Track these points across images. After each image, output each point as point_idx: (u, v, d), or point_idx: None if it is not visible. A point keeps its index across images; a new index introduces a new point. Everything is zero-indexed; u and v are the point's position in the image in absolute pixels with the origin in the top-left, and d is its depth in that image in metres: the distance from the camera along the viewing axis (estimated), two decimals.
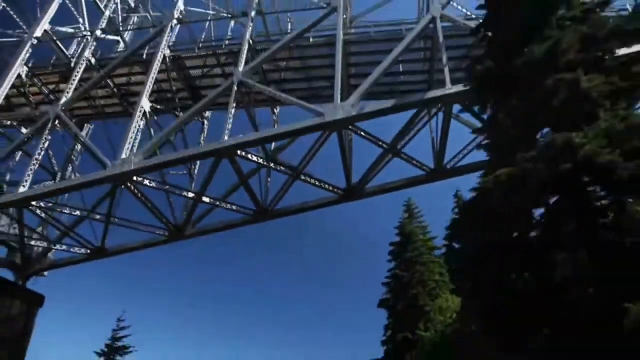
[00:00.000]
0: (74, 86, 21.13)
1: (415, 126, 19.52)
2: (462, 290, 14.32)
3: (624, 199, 8.03)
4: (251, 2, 21.88)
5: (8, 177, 23.82)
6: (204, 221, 22.40)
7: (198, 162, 23.45)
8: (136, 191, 18.83)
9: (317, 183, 20.38)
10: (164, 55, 21.17)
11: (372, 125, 18.68)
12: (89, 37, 23.48)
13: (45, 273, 24.16)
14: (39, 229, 23.47)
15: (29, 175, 18.72)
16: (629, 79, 10.68)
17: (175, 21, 22.09)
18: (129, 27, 30.42)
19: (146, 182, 18.48)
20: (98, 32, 23.47)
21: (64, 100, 20.39)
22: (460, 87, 16.40)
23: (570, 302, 8.40)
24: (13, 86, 22.25)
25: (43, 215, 20.74)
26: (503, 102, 11.70)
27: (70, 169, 25.30)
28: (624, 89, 10.08)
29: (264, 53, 20.26)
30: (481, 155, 17.11)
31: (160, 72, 20.95)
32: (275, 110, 24.69)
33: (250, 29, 21.00)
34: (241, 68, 18.96)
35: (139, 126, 19.32)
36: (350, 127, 17.71)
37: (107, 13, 24.69)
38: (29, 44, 23.12)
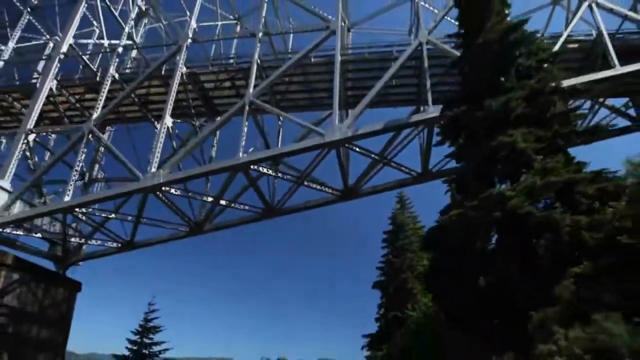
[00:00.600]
0: (102, 102, 24.02)
1: (405, 138, 22.70)
2: (429, 289, 18.02)
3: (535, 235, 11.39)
4: (258, 24, 24.51)
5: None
6: (219, 218, 25.90)
7: None
8: (163, 197, 22.20)
9: (319, 187, 23.75)
10: (181, 73, 23.98)
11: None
12: (112, 54, 26.12)
13: (80, 263, 27.80)
14: (74, 225, 26.96)
15: (71, 185, 22.01)
16: (563, 128, 13.91)
17: (189, 40, 24.78)
18: (140, 30, 33.24)
19: (172, 190, 21.82)
20: (120, 49, 26.17)
21: (95, 116, 23.39)
22: (439, 110, 19.48)
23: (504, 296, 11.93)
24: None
25: (81, 216, 24.16)
26: (464, 145, 14.92)
27: (97, 171, 28.53)
28: (554, 142, 13.30)
29: (271, 72, 23.28)
30: None
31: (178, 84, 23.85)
32: (280, 118, 27.70)
33: (258, 49, 23.75)
34: (251, 89, 21.90)
35: (163, 141, 22.31)
36: (346, 144, 20.86)
37: (127, 29, 27.27)
38: (57, 60, 25.92)
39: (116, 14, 30.29)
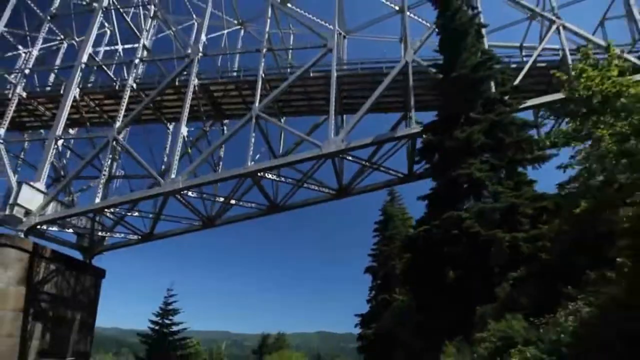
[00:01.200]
0: (123, 111, 27.19)
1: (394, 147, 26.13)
2: (406, 282, 21.93)
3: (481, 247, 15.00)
4: (262, 41, 27.52)
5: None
6: (228, 213, 29.47)
7: None
8: (181, 199, 25.73)
9: (317, 188, 27.29)
10: (194, 85, 27.07)
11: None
12: (130, 65, 29.12)
13: (104, 253, 31.49)
14: (98, 219, 30.50)
15: (100, 188, 25.46)
16: (517, 155, 17.38)
17: (200, 54, 27.77)
18: (150, 32, 35.99)
19: (189, 193, 25.32)
20: (136, 61, 29.16)
21: (118, 125, 26.62)
22: (422, 126, 22.87)
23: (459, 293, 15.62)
24: None
25: (106, 212, 27.72)
26: (437, 166, 18.43)
27: (115, 168, 31.85)
28: (506, 168, 16.80)
29: (275, 84, 26.49)
30: None
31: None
32: (282, 119, 30.97)
33: (263, 64, 26.81)
34: (257, 103, 25.11)
35: (180, 149, 25.60)
36: (340, 155, 24.28)
37: (142, 41, 30.18)
38: (78, 70, 28.93)
39: (128, 18, 33.23)
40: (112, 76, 30.51)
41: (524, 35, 31.09)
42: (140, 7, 32.80)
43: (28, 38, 34.68)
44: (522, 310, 12.12)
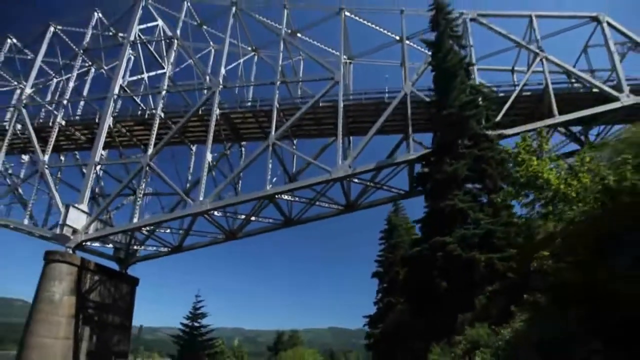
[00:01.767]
0: (154, 139, 31.01)
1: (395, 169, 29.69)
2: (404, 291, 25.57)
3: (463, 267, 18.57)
4: (275, 69, 31.18)
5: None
6: (248, 227, 33.28)
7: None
8: (208, 217, 29.58)
9: (327, 205, 30.98)
10: (216, 115, 30.78)
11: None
12: (158, 96, 32.91)
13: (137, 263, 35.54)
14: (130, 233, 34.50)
15: (136, 209, 29.38)
16: (496, 185, 20.86)
17: (221, 86, 31.46)
18: (171, 57, 39.73)
19: (215, 212, 29.16)
20: (163, 92, 32.95)
21: (150, 152, 30.44)
22: (419, 153, 26.44)
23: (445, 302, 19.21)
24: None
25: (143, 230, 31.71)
26: (430, 192, 22.01)
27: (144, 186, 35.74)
28: (487, 196, 20.31)
29: (288, 112, 30.15)
30: None
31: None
32: (294, 141, 34.67)
33: (277, 95, 30.44)
34: (273, 132, 28.78)
35: (206, 175, 29.37)
36: (347, 179, 27.92)
37: (167, 73, 33.96)
38: (111, 101, 32.81)
39: (151, 47, 37.05)
40: (141, 104, 34.35)
41: (515, 59, 34.39)
42: (163, 41, 36.54)
43: (62, 72, 38.48)
44: (492, 319, 15.64)
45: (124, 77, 37.05)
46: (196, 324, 35.55)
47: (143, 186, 30.31)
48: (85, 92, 38.98)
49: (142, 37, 36.48)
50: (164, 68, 38.34)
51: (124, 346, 33.02)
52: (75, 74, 36.31)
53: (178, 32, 35.27)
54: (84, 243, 29.69)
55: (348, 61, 35.65)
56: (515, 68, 34.38)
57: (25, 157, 39.90)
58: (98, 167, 31.59)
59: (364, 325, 37.28)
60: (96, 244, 31.68)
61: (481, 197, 20.99)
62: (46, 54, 38.73)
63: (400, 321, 27.33)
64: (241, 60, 37.19)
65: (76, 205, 29.47)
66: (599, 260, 8.13)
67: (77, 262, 28.53)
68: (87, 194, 30.35)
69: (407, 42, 32.64)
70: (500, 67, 35.04)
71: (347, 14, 32.92)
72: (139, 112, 35.11)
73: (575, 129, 31.11)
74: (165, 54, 39.11)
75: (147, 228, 31.32)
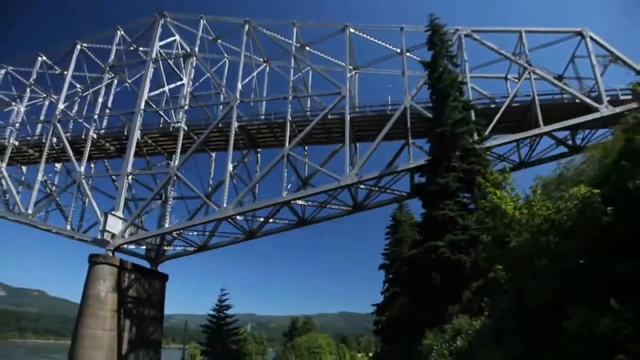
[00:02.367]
0: (179, 151, 35.03)
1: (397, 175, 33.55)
2: (405, 286, 29.70)
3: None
4: (288, 89, 34.94)
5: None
6: (265, 227, 37.43)
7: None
8: (231, 221, 33.76)
9: (336, 207, 35.00)
10: (235, 128, 34.66)
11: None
12: (182, 110, 36.87)
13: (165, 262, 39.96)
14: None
15: (167, 214, 33.61)
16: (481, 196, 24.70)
17: (238, 101, 35.26)
18: (189, 69, 43.51)
19: (237, 217, 33.32)
20: (186, 107, 36.89)
21: (176, 163, 34.50)
22: (419, 162, 30.26)
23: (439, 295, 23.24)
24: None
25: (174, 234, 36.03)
26: (426, 201, 25.94)
27: (170, 191, 39.97)
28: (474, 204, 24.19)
29: (300, 126, 33.99)
30: None
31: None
32: (306, 148, 38.56)
33: (290, 109, 34.22)
34: (287, 144, 32.65)
35: (228, 182, 33.40)
36: (354, 186, 31.86)
37: (188, 89, 37.85)
38: (139, 115, 36.80)
39: (170, 62, 40.86)
40: (165, 117, 38.37)
41: (508, 68, 37.75)
42: (182, 58, 40.35)
43: (90, 89, 42.44)
44: (473, 311, 19.63)
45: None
46: (222, 315, 40.10)
47: (172, 194, 34.49)
48: (109, 103, 42.95)
49: (163, 54, 40.23)
50: (182, 79, 42.38)
51: (157, 335, 37.64)
52: (103, 89, 40.14)
53: (197, 49, 38.94)
54: (121, 246, 33.98)
55: (353, 71, 39.26)
56: (508, 76, 37.77)
57: (58, 165, 44.23)
58: (130, 177, 35.76)
59: (371, 313, 41.60)
60: (132, 246, 36.00)
61: (470, 204, 24.87)
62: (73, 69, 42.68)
63: (402, 311, 31.51)
64: (254, 73, 40.83)
65: (113, 212, 33.73)
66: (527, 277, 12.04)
67: (117, 263, 32.88)
68: (122, 201, 34.60)
69: (408, 54, 36.11)
70: (494, 75, 38.46)
71: (352, 30, 36.43)
72: (161, 124, 39.21)
73: (564, 133, 34.66)
74: (183, 65, 43.07)
75: (178, 231, 35.60)
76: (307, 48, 39.36)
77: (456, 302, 21.84)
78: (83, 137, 39.29)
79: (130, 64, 41.67)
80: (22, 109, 44.22)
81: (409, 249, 26.01)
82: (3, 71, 44.85)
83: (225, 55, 44.03)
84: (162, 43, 40.53)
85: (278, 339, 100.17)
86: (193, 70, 41.72)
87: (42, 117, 45.06)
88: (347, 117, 32.71)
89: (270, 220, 35.81)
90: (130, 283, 34.47)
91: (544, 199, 14.04)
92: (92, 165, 43.73)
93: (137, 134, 36.33)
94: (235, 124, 34.61)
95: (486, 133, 29.01)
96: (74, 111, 43.16)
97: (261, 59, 42.85)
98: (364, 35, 36.72)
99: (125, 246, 35.03)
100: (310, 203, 34.64)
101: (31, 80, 43.76)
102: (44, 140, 40.23)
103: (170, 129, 37.65)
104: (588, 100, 30.80)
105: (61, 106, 40.47)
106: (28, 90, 44.16)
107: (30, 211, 37.55)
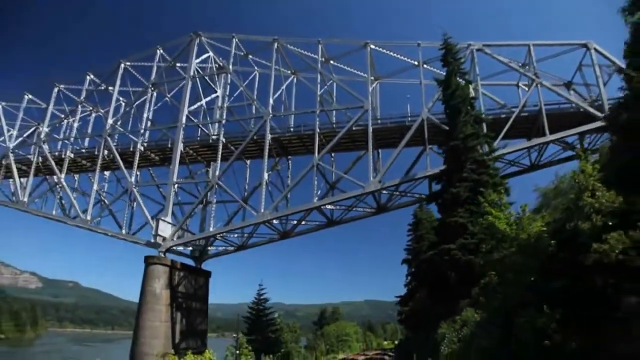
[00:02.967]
0: (219, 161, 39.79)
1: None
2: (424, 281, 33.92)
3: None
4: (316, 103, 39.20)
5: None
6: (298, 228, 42.07)
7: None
8: (268, 224, 38.50)
9: (361, 210, 39.36)
10: (269, 141, 39.14)
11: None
12: (219, 125, 41.56)
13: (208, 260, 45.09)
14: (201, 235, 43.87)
15: (212, 219, 38.57)
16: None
17: (271, 115, 39.68)
18: (222, 82, 48.09)
19: (274, 220, 38.02)
20: (223, 121, 41.56)
21: (217, 173, 39.28)
22: (435, 170, 34.26)
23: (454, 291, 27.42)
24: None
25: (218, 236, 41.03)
26: (441, 207, 30.06)
27: (210, 196, 44.88)
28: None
29: (328, 136, 38.27)
30: None
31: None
32: (332, 155, 42.86)
33: (318, 121, 38.51)
34: (316, 154, 36.97)
35: (264, 190, 37.99)
36: (377, 192, 36.11)
37: (222, 99, 42.47)
38: (181, 129, 41.63)
39: (206, 77, 45.48)
40: (204, 129, 43.20)
41: (519, 77, 41.04)
42: (216, 75, 45.00)
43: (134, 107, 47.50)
44: (479, 306, 23.76)
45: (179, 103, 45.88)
46: (260, 307, 45.19)
47: (214, 201, 39.37)
48: (150, 116, 47.96)
49: (199, 70, 44.90)
50: (216, 92, 47.07)
51: (204, 326, 42.96)
52: (147, 104, 45.17)
53: (231, 67, 43.48)
54: (171, 247, 39.11)
55: (375, 82, 43.20)
56: (519, 84, 41.09)
57: (107, 174, 49.71)
58: (175, 186, 40.77)
59: (395, 304, 46.08)
60: (180, 248, 41.16)
61: (478, 212, 28.85)
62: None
63: (422, 304, 35.85)
64: (284, 87, 45.14)
65: (163, 218, 38.83)
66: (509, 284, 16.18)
67: (168, 263, 38.04)
68: (170, 208, 39.68)
69: (425, 65, 39.83)
70: (506, 82, 41.81)
71: (372, 46, 40.32)
72: (198, 136, 44.14)
73: (573, 137, 37.95)
74: (217, 78, 47.70)
75: (222, 234, 40.59)
76: (332, 62, 43.43)
77: (466, 298, 26.00)
78: (131, 149, 44.44)
79: (170, 81, 46.46)
80: (75, 124, 49.62)
81: (427, 249, 30.16)
82: (56, 89, 50.35)
83: (256, 68, 48.40)
84: (198, 61, 45.15)
85: (305, 327, 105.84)
86: (228, 86, 46.27)
87: (89, 129, 50.71)
88: (370, 129, 36.82)
89: (302, 222, 40.41)
90: (180, 280, 39.65)
91: (529, 217, 18.07)
92: (138, 173, 48.96)
93: (180, 147, 41.20)
94: (269, 137, 39.08)
95: (497, 142, 32.67)
96: (118, 123, 48.37)
97: (289, 71, 47.13)
98: (384, 51, 40.55)
99: (173, 247, 40.18)
100: (337, 207, 39.03)
101: (82, 97, 49.03)
102: (96, 152, 45.57)
103: (210, 141, 42.41)
104: (591, 109, 34.09)
105: (110, 121, 45.65)
106: (79, 106, 49.49)
107: (89, 217, 43.04)
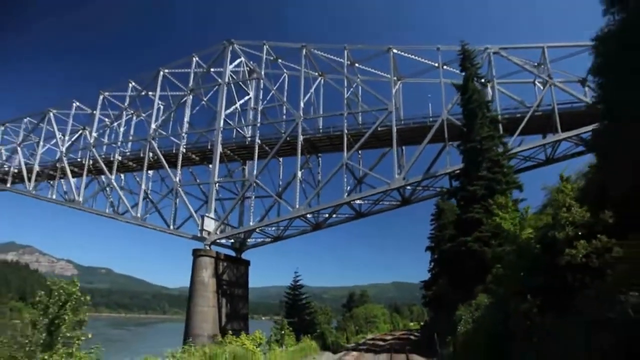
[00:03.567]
0: (256, 161, 44.39)
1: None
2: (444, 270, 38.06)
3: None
4: (343, 106, 43.27)
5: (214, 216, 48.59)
6: (329, 220, 46.59)
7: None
8: (303, 218, 43.14)
9: (387, 203, 43.59)
10: (300, 141, 43.46)
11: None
12: (255, 127, 46.08)
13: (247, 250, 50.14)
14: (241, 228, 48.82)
15: (251, 214, 43.39)
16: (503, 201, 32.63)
17: (302, 117, 43.93)
18: (254, 85, 52.43)
19: (308, 215, 42.60)
20: (258, 124, 46.05)
21: (255, 173, 43.93)
22: (455, 167, 38.13)
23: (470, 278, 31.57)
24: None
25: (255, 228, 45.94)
26: (459, 203, 34.11)
27: (247, 191, 49.67)
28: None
29: (355, 136, 42.41)
30: None
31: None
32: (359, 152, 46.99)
33: (345, 123, 42.61)
34: (345, 153, 41.18)
35: (298, 187, 42.47)
36: (402, 188, 40.22)
37: (258, 107, 46.90)
38: (220, 132, 46.32)
39: (240, 82, 49.91)
40: (240, 131, 47.81)
41: (535, 75, 44.13)
42: (248, 81, 49.36)
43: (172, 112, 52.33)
44: (491, 292, 27.86)
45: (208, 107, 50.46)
46: (297, 293, 50.12)
47: (252, 197, 44.20)
48: (187, 118, 52.76)
49: (233, 74, 49.33)
50: (249, 94, 51.52)
51: (245, 310, 48.26)
52: (187, 109, 49.95)
53: (263, 73, 47.79)
54: (215, 241, 44.14)
55: (398, 82, 46.90)
56: (536, 82, 44.17)
57: (150, 173, 54.96)
58: (217, 185, 45.64)
59: (420, 288, 50.45)
60: (222, 240, 46.23)
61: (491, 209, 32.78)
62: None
63: (443, 289, 40.13)
64: (312, 89, 49.24)
65: (207, 214, 43.83)
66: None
67: (214, 255, 43.15)
68: (213, 205, 44.64)
69: (445, 67, 43.32)
70: (524, 80, 44.92)
71: (395, 51, 43.96)
72: (234, 137, 48.83)
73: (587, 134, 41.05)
74: (249, 81, 52.10)
75: (261, 228, 45.48)
76: (357, 65, 47.26)
77: (480, 284, 30.13)
78: (174, 150, 49.45)
79: (207, 88, 51.06)
80: (122, 129, 54.97)
81: (448, 240, 34.41)
82: (102, 97, 55.58)
83: (285, 71, 52.53)
84: (231, 67, 49.53)
85: (333, 310, 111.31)
86: (261, 90, 50.66)
87: (131, 132, 56.04)
88: (394, 130, 40.80)
89: (333, 215, 44.89)
90: (224, 269, 44.78)
91: (531, 218, 22.03)
92: (179, 172, 54.09)
93: (219, 148, 45.93)
94: (301, 138, 43.41)
95: (513, 138, 36.30)
96: (156, 126, 53.38)
97: (316, 73, 51.12)
98: (405, 55, 44.16)
99: (217, 240, 45.25)
100: (365, 201, 43.32)
101: (126, 104, 54.18)
102: (142, 155, 50.76)
103: (246, 142, 47.02)
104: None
105: (153, 125, 50.66)
106: (124, 112, 54.69)
107: (139, 214, 48.43)
